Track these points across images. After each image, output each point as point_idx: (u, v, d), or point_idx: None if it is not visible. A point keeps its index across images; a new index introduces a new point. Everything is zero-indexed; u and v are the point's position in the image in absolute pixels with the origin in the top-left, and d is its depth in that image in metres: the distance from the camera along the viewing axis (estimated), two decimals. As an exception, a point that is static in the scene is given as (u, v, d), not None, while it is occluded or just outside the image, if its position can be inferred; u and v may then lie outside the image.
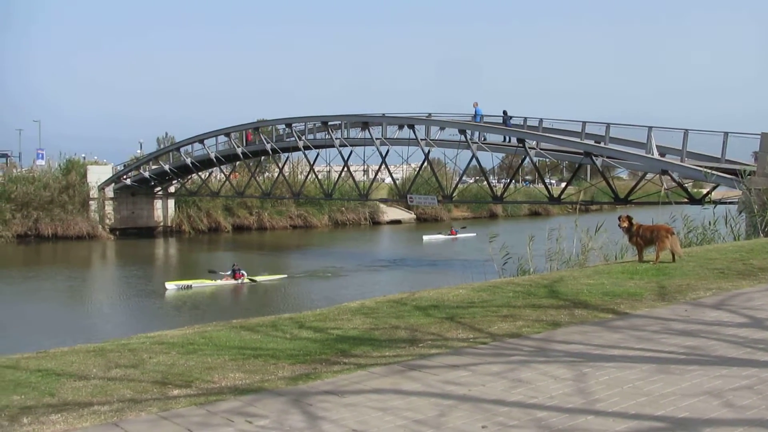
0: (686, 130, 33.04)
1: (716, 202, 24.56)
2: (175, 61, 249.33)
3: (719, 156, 32.84)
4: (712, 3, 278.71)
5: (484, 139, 41.30)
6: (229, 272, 36.51)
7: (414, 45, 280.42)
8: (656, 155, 33.41)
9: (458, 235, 60.22)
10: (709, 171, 29.32)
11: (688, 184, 35.54)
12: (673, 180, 34.00)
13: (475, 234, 60.34)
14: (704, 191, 37.40)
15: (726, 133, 32.45)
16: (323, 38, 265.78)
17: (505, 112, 41.21)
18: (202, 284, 35.90)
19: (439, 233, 62.07)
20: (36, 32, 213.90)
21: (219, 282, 36.08)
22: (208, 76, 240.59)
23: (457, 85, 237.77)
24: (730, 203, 24.53)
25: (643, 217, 14.59)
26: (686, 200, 33.36)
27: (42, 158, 71.20)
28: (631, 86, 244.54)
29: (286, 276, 37.83)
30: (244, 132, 55.51)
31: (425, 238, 59.22)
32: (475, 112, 42.26)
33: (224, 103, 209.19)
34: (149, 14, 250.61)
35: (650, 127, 34.14)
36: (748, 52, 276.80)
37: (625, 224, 12.53)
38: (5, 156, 76.90)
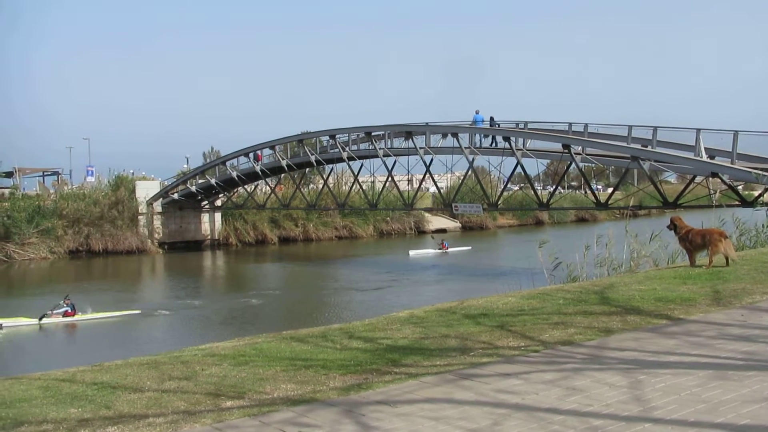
0: (736, 131, 32.43)
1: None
2: (218, 76, 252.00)
3: (771, 157, 32.24)
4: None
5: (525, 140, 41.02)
6: (61, 308, 30.02)
7: (420, 49, 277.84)
8: (705, 158, 32.83)
9: (449, 249, 55.98)
10: (759, 172, 28.68)
11: (740, 187, 34.80)
12: (724, 182, 33.37)
13: (470, 247, 58.26)
14: (756, 193, 36.61)
15: (777, 134, 31.85)
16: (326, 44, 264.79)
17: (492, 119, 43.25)
18: (16, 323, 29.18)
19: (429, 248, 57.38)
20: (82, 52, 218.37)
21: (44, 321, 29.34)
22: (250, 91, 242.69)
23: (464, 91, 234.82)
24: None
25: (694, 220, 14.34)
26: (737, 203, 32.70)
27: (92, 175, 72.56)
28: (651, 92, 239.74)
29: (138, 312, 31.63)
30: (254, 153, 57.23)
31: (411, 253, 55.22)
32: (474, 119, 43.82)
33: (268, 118, 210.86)
34: (188, 30, 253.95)
35: (699, 129, 33.56)
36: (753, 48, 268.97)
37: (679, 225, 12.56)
38: (56, 173, 78.65)
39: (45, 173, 79.15)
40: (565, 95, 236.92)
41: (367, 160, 51.39)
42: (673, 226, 12.67)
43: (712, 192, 34.08)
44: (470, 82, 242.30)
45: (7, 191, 61.69)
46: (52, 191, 66.05)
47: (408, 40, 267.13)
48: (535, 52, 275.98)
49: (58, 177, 77.54)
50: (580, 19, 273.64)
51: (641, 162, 34.36)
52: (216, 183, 59.97)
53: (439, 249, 55.52)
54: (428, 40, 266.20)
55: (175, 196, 62.61)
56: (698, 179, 35.97)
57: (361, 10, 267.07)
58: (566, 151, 36.88)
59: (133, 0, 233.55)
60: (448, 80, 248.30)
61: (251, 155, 56.77)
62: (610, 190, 51.48)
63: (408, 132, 45.42)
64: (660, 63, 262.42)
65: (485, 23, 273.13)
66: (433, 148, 44.48)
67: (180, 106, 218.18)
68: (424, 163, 44.93)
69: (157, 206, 63.03)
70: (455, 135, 42.43)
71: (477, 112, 43.92)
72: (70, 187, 68.45)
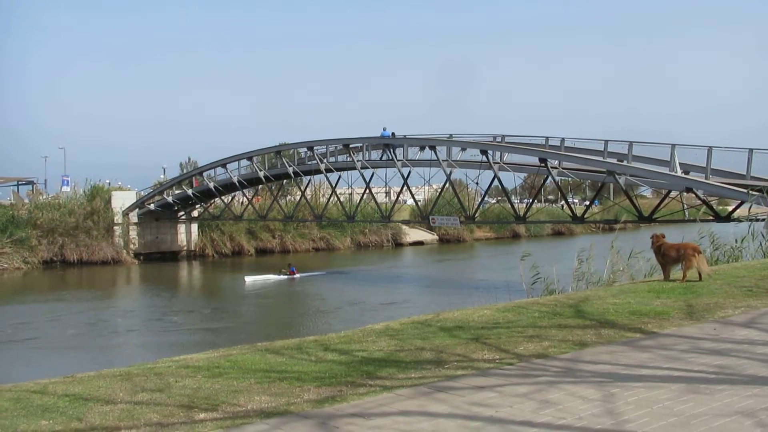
0: (710, 147, 32.81)
1: (752, 219, 24.18)
2: (195, 87, 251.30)
3: (744, 173, 32.57)
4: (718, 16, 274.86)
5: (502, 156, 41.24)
6: None
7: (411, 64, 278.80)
8: (680, 173, 33.19)
9: (297, 275, 48.15)
10: (754, 193, 28.67)
11: (713, 201, 35.19)
12: (698, 198, 33.73)
13: (324, 272, 51.55)
14: (729, 208, 37.00)
15: (751, 150, 32.22)
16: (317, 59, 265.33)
17: (393, 134, 46.18)
18: None
19: (272, 273, 49.13)
20: (60, 60, 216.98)
21: None
22: (230, 101, 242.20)
23: (448, 104, 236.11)
24: (758, 220, 24.21)
25: (668, 235, 14.48)
26: (711, 218, 33.04)
27: (67, 185, 72.02)
28: (637, 105, 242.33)
29: None
30: (193, 178, 59.71)
31: (248, 280, 47.01)
32: (382, 135, 46.67)
33: (247, 129, 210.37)
34: (167, 41, 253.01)
35: (673, 145, 33.99)
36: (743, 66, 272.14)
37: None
38: (31, 183, 77.88)
39: (19, 182, 78.27)
40: (549, 108, 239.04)
41: (345, 172, 51.49)
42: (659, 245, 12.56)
43: (691, 207, 34.38)
44: (454, 97, 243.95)
45: (-21, 200, 61.04)
46: (26, 201, 65.37)
47: (391, 55, 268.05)
48: (519, 65, 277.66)
49: (32, 186, 76.80)
50: (565, 34, 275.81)
51: (617, 176, 34.65)
52: (192, 194, 59.75)
53: (285, 275, 48.36)
54: (412, 54, 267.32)
55: (152, 206, 62.22)
56: (673, 194, 36.32)
57: (345, 24, 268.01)
58: (543, 164, 37.11)
59: (112, 15, 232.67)
60: (431, 94, 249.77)
61: (193, 179, 59.32)
62: (586, 203, 51.79)
63: (386, 144, 45.59)
64: (641, 78, 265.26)
65: (472, 38, 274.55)
66: (410, 160, 44.63)
67: (158, 116, 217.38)
68: (402, 175, 45.04)
69: (133, 217, 62.63)
70: (433, 148, 42.57)
71: (384, 129, 46.69)
72: (45, 197, 67.78)
